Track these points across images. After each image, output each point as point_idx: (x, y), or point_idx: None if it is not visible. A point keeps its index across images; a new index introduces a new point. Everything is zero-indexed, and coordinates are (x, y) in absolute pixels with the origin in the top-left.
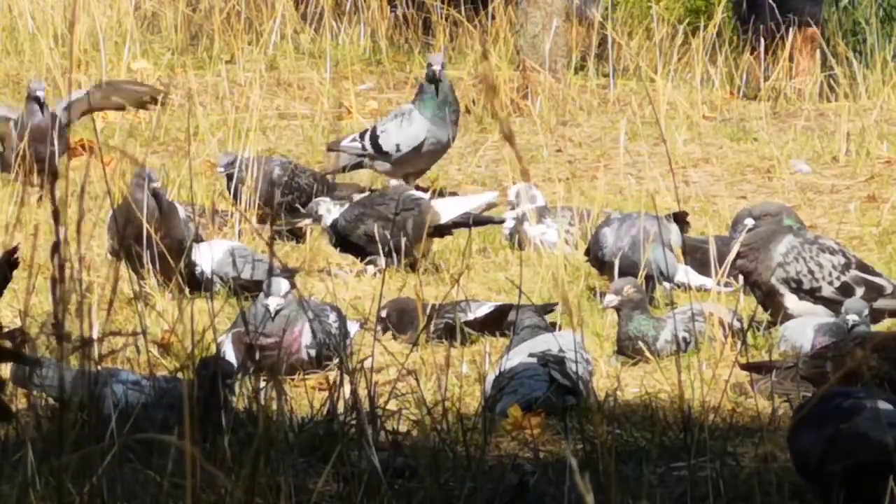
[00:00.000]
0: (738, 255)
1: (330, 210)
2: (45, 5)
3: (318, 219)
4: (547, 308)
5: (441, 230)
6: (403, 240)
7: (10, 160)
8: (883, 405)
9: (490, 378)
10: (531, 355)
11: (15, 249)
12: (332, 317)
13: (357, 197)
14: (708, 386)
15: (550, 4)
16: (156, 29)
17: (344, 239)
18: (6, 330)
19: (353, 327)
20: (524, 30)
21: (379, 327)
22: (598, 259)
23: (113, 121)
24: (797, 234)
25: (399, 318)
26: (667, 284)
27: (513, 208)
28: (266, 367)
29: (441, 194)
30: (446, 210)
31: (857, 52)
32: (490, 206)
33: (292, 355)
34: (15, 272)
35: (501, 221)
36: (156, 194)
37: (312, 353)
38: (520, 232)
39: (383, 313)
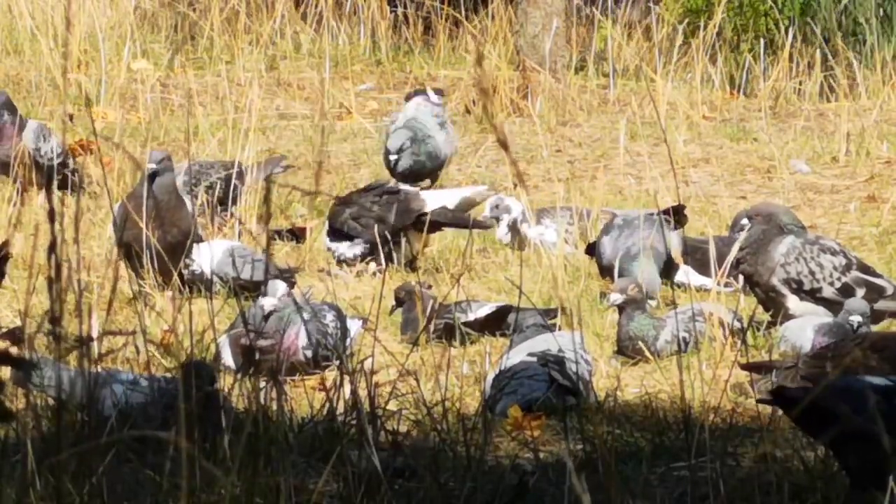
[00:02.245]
0: (738, 260)
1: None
2: (45, 5)
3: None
4: (549, 314)
5: (432, 224)
6: (391, 224)
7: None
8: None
9: (490, 377)
10: (531, 355)
11: (5, 243)
12: (330, 317)
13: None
14: (708, 386)
15: (550, 4)
16: (156, 29)
17: (330, 225)
18: (5, 330)
19: (354, 325)
20: (524, 30)
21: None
22: (599, 265)
23: (113, 121)
24: (798, 235)
25: (401, 302)
26: (651, 301)
27: (497, 221)
28: (265, 370)
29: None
30: (432, 199)
31: (856, 52)
32: (481, 199)
33: (290, 357)
34: (14, 272)
35: (488, 227)
36: (151, 175)
37: (309, 354)
38: (519, 233)
39: (400, 293)
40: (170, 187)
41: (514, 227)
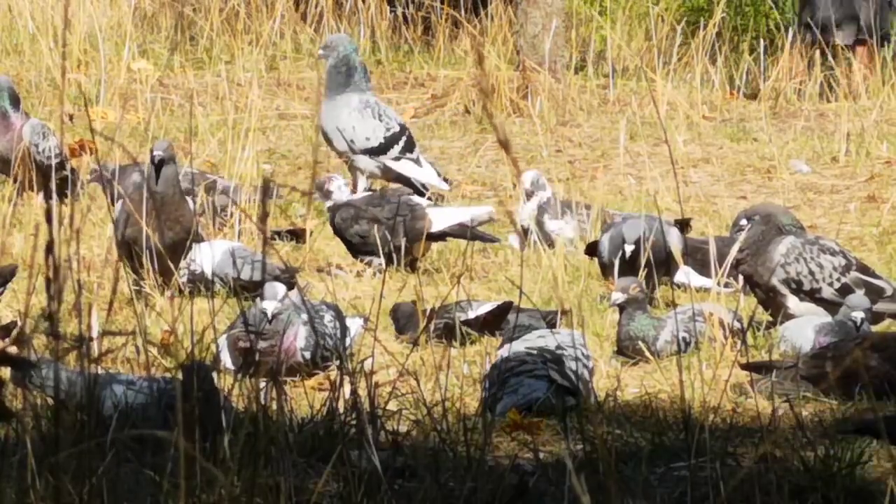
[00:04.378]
0: (738, 260)
1: (341, 188)
2: (45, 5)
3: (326, 194)
4: (548, 318)
5: (434, 237)
6: (402, 241)
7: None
8: None
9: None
10: (529, 348)
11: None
12: (328, 317)
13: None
14: (708, 386)
15: (550, 4)
16: (156, 29)
17: (339, 234)
18: (3, 324)
19: (355, 323)
20: (524, 30)
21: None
22: (600, 264)
23: (112, 121)
24: (798, 235)
25: (396, 320)
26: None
27: (529, 196)
28: (265, 371)
29: (442, 198)
30: (440, 219)
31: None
32: (485, 220)
33: (289, 359)
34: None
35: (496, 240)
36: (157, 163)
37: (307, 355)
38: (540, 224)
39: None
40: (173, 181)
41: (539, 212)
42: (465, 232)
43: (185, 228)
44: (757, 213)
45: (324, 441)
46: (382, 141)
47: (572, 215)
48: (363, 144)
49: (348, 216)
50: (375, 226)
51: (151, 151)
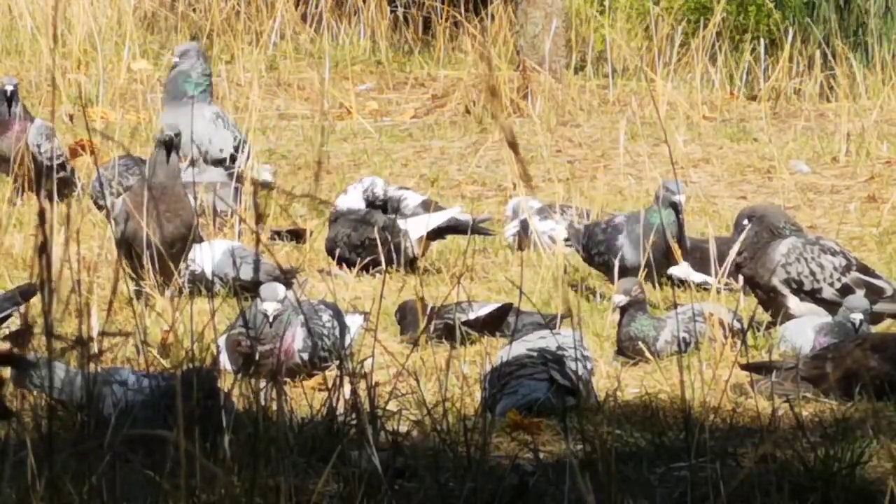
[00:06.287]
0: (738, 264)
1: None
2: (45, 5)
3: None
4: (549, 321)
5: (434, 232)
6: (404, 241)
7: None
8: None
9: (488, 375)
10: (530, 350)
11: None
12: (326, 316)
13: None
14: (708, 386)
15: (550, 4)
16: (156, 29)
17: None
18: (9, 332)
19: (355, 321)
20: (524, 30)
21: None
22: (588, 256)
23: (113, 121)
24: (798, 236)
25: (403, 318)
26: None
27: (510, 220)
28: (265, 372)
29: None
30: (415, 228)
31: (856, 52)
32: (463, 218)
33: (287, 360)
34: (14, 272)
35: (492, 234)
36: (165, 144)
37: (305, 356)
38: (526, 236)
39: (396, 316)
40: (176, 173)
41: (518, 232)
42: (465, 228)
43: (184, 223)
44: (754, 214)
45: (324, 441)
46: (233, 151)
47: (563, 215)
48: (216, 155)
49: (332, 235)
50: (354, 231)
51: (163, 132)
